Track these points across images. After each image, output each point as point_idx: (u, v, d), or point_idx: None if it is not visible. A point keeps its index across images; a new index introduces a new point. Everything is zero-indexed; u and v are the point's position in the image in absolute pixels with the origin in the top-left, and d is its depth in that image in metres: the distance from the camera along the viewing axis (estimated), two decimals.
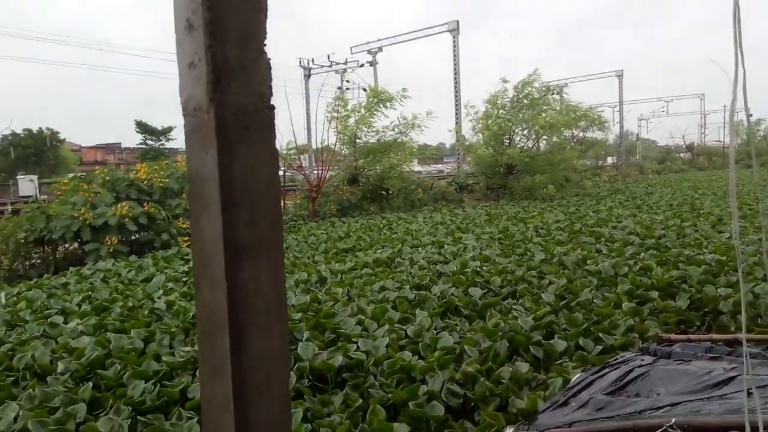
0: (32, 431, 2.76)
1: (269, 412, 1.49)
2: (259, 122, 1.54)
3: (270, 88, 1.56)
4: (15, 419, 2.94)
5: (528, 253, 7.32)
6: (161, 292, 6.28)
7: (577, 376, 3.09)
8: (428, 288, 5.67)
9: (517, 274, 5.94)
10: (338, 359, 3.62)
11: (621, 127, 46.45)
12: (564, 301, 4.88)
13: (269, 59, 1.48)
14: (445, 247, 8.35)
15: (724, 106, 49.55)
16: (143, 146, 48.80)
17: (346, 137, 18.43)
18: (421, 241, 9.37)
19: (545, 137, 21.69)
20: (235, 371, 1.49)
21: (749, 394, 1.81)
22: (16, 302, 6.27)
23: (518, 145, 21.18)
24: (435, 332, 4.24)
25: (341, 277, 6.58)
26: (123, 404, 3.08)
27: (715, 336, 3.69)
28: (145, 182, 11.92)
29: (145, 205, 10.97)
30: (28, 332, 4.78)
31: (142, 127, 48.03)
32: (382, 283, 5.93)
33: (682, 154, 52.57)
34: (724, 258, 5.97)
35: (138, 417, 2.98)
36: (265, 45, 1.43)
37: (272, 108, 1.56)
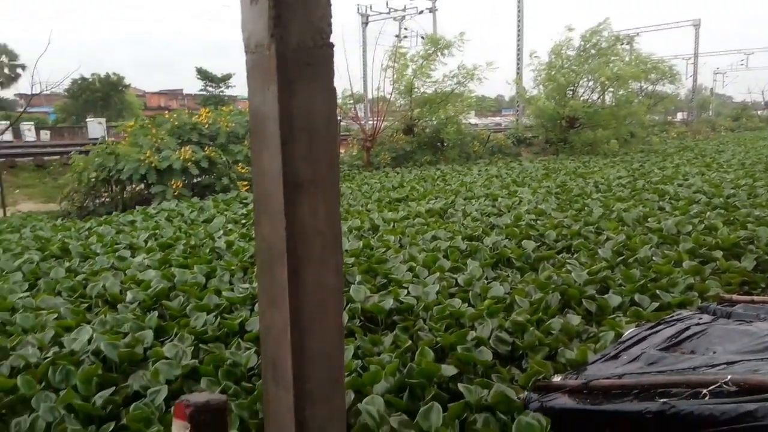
0: (105, 352, 2.98)
1: (324, 341, 1.55)
2: (318, 59, 1.54)
3: (330, 25, 1.55)
4: (89, 341, 3.18)
5: (586, 208, 7.14)
6: (221, 232, 6.53)
7: (630, 330, 3.05)
8: (480, 239, 5.65)
9: (573, 228, 5.83)
10: (389, 302, 3.70)
11: (694, 80, 43.76)
12: (621, 258, 4.77)
13: None
14: (500, 200, 8.25)
15: None
16: (204, 93, 49.82)
17: (402, 87, 18.19)
18: (474, 193, 9.28)
19: (611, 89, 20.71)
20: (292, 301, 1.55)
21: None
22: (88, 236, 6.67)
23: (582, 98, 20.34)
24: (486, 282, 4.24)
25: (393, 226, 6.64)
26: (186, 333, 3.27)
27: None
28: (207, 126, 12.22)
29: (206, 149, 11.29)
30: (99, 264, 5.10)
31: (203, 74, 48.88)
32: (434, 233, 5.94)
33: (759, 111, 49.20)
34: None
35: (200, 345, 3.16)
36: None
37: (331, 45, 1.56)
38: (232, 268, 4.78)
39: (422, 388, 2.59)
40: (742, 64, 58.30)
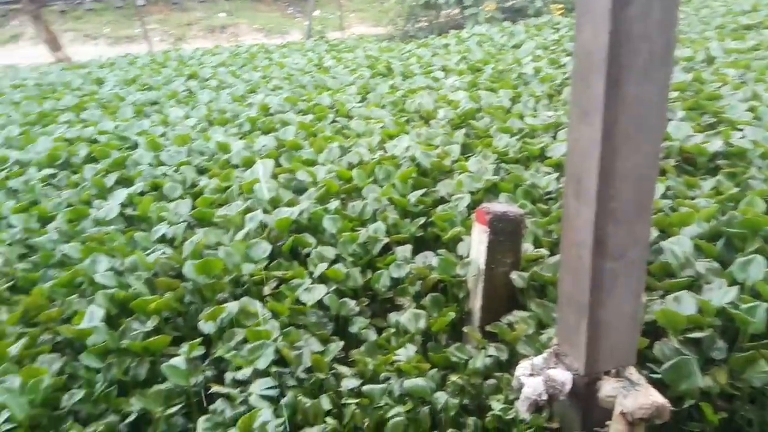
0: (419, 159, 3.33)
1: (636, 161, 1.43)
2: None
3: None
4: (407, 149, 3.59)
5: None
6: (530, 58, 6.33)
7: None
8: None
9: None
10: (715, 144, 3.20)
11: None
12: None
13: None
14: None
15: None
16: None
17: None
18: None
19: None
20: (606, 115, 1.44)
21: None
22: (408, 57, 7.21)
23: None
24: None
25: (736, 57, 5.49)
26: (490, 152, 3.42)
27: None
28: None
29: None
30: (417, 83, 5.52)
31: None
32: None
33: None
34: None
35: (501, 164, 3.29)
36: None
37: None
38: (538, 95, 4.67)
39: (743, 239, 2.26)
40: None
